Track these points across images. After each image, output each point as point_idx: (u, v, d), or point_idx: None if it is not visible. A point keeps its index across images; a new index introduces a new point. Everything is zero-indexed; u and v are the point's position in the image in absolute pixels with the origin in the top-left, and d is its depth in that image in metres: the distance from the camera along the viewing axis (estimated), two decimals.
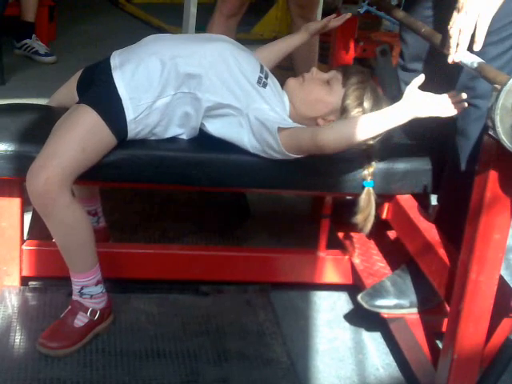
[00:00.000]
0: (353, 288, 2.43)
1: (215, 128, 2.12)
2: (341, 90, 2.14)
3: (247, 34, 5.02)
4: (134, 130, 2.06)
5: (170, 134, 2.14)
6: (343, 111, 2.14)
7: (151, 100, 2.05)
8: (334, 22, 2.44)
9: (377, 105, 2.14)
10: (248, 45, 2.34)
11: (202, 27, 4.70)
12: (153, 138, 2.12)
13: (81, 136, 1.98)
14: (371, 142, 2.15)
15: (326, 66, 3.02)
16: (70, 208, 1.97)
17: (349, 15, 2.46)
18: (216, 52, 2.10)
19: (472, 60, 1.74)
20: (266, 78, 2.16)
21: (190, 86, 2.06)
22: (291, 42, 2.45)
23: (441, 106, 1.90)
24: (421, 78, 1.93)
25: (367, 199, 2.13)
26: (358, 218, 2.13)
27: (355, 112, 2.13)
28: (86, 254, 2.03)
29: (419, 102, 1.91)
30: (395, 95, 2.34)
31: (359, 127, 1.97)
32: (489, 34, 1.80)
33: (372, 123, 1.98)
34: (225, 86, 2.07)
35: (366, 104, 2.13)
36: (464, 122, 2.04)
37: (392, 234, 2.49)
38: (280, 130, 2.01)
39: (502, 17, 1.86)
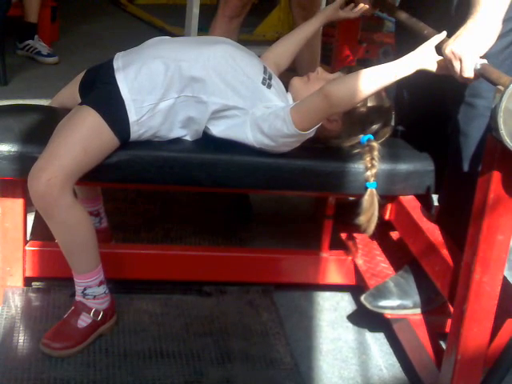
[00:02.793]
0: (356, 288, 2.43)
1: (219, 130, 2.12)
2: None
3: (250, 35, 5.01)
4: (136, 132, 2.06)
5: (172, 136, 2.14)
6: (347, 112, 2.13)
7: (154, 102, 2.05)
8: (350, 13, 2.44)
9: (380, 107, 2.14)
10: (250, 46, 2.35)
11: (204, 28, 4.70)
12: (156, 139, 2.12)
13: (82, 137, 1.98)
14: (374, 143, 2.15)
15: (329, 67, 3.01)
16: (72, 209, 1.97)
17: (366, 7, 2.43)
18: (219, 54, 2.10)
19: (475, 61, 1.74)
20: (270, 79, 2.17)
21: (194, 90, 2.06)
22: (308, 28, 2.43)
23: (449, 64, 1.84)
24: (442, 35, 1.91)
25: (370, 200, 2.13)
26: (362, 220, 2.12)
27: (359, 112, 2.14)
28: (88, 255, 2.04)
29: (427, 55, 1.90)
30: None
31: (366, 76, 1.95)
32: None
33: (378, 72, 1.96)
34: (229, 87, 2.07)
35: (370, 105, 2.13)
36: (463, 121, 2.04)
37: (395, 235, 2.49)
38: (290, 110, 2.02)
39: None
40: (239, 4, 3.09)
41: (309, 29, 2.44)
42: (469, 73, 1.75)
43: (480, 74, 1.73)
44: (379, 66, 1.98)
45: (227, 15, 3.10)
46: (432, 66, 1.90)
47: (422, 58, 1.91)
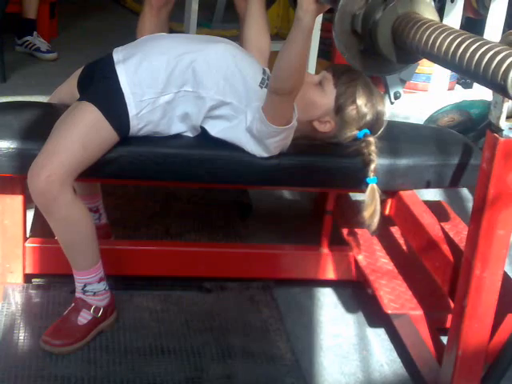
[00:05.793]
0: (356, 284, 2.42)
1: (217, 131, 2.11)
2: (333, 90, 2.12)
3: None
4: (136, 126, 2.05)
5: (173, 131, 2.13)
6: (338, 110, 2.12)
7: (154, 96, 2.04)
8: None
9: (370, 100, 2.13)
10: None
11: (204, 23, 4.70)
12: (155, 135, 2.11)
13: (82, 133, 1.98)
14: (370, 138, 2.14)
15: (328, 62, 3.01)
16: (72, 206, 1.97)
17: None
18: (220, 51, 2.11)
19: None
20: (269, 79, 2.15)
21: (194, 85, 2.06)
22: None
23: None
24: None
25: (372, 196, 2.11)
26: (364, 216, 2.09)
27: (350, 109, 2.12)
28: (88, 252, 2.04)
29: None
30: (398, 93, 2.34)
31: (285, 50, 1.87)
32: None
33: (291, 37, 1.85)
34: (228, 84, 2.07)
35: (360, 100, 2.12)
36: None
37: (395, 230, 2.49)
38: (262, 110, 1.99)
39: None
40: None
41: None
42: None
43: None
44: (290, 35, 1.85)
45: (155, 5, 3.00)
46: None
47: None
